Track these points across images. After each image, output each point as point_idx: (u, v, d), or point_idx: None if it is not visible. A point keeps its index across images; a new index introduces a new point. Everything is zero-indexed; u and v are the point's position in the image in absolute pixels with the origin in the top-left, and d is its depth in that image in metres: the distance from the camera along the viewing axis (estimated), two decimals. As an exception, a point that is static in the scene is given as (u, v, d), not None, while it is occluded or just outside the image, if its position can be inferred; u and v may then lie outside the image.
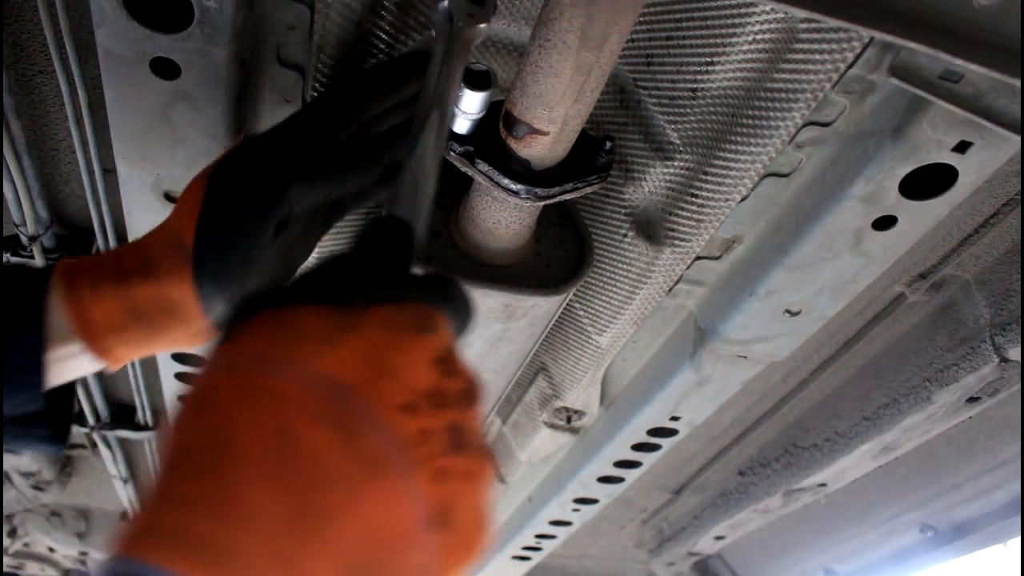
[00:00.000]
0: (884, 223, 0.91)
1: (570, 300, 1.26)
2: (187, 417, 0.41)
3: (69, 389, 0.77)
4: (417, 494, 0.42)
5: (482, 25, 0.67)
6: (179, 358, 1.32)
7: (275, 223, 0.69)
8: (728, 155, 0.89)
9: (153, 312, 0.71)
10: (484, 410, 0.50)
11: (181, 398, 0.42)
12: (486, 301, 0.93)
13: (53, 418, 0.76)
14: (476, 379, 0.49)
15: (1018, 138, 0.72)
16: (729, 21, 0.82)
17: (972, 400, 1.30)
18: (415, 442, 0.42)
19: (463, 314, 0.52)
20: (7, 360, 0.68)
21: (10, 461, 2.17)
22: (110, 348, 0.71)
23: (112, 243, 1.31)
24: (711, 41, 0.85)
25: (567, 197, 0.81)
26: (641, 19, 0.91)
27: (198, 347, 0.77)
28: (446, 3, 0.66)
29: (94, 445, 2.13)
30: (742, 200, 0.97)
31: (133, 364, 1.70)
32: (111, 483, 2.29)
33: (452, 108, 0.65)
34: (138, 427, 1.92)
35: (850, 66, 0.77)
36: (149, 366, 1.60)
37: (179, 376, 1.39)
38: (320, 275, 0.49)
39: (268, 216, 0.68)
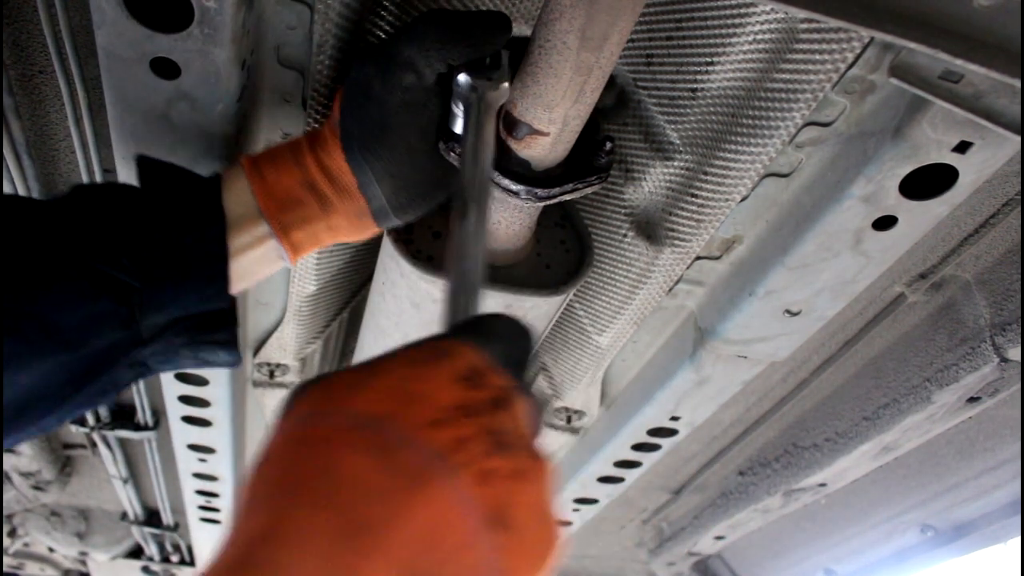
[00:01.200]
0: (884, 223, 0.91)
1: (570, 300, 1.26)
2: (253, 472, 0.46)
3: (235, 307, 0.84)
4: (465, 497, 0.44)
5: (504, 85, 0.72)
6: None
7: (399, 88, 0.73)
8: (728, 155, 0.89)
9: (322, 184, 0.79)
10: (530, 413, 0.53)
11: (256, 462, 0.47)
12: (487, 302, 0.93)
13: (232, 326, 0.82)
14: (510, 387, 0.52)
15: (1018, 138, 0.72)
16: (729, 21, 0.82)
17: (972, 400, 1.30)
18: (452, 449, 0.45)
19: (505, 337, 0.56)
20: (194, 251, 0.73)
21: (10, 461, 2.17)
22: (290, 226, 0.78)
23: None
24: (711, 41, 0.85)
25: (567, 197, 0.81)
26: (641, 19, 0.91)
27: (362, 233, 0.84)
28: (465, 76, 0.71)
29: (94, 445, 2.13)
30: (742, 200, 0.97)
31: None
32: (111, 483, 2.29)
33: (491, 168, 0.70)
34: (138, 427, 1.92)
35: (850, 66, 0.77)
36: (149, 366, 1.60)
37: (179, 377, 1.39)
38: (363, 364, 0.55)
39: (390, 81, 0.73)
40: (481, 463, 0.45)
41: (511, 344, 0.56)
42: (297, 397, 0.50)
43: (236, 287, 0.81)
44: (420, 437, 0.45)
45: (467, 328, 0.56)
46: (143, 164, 0.78)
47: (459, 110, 0.74)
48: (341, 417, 0.46)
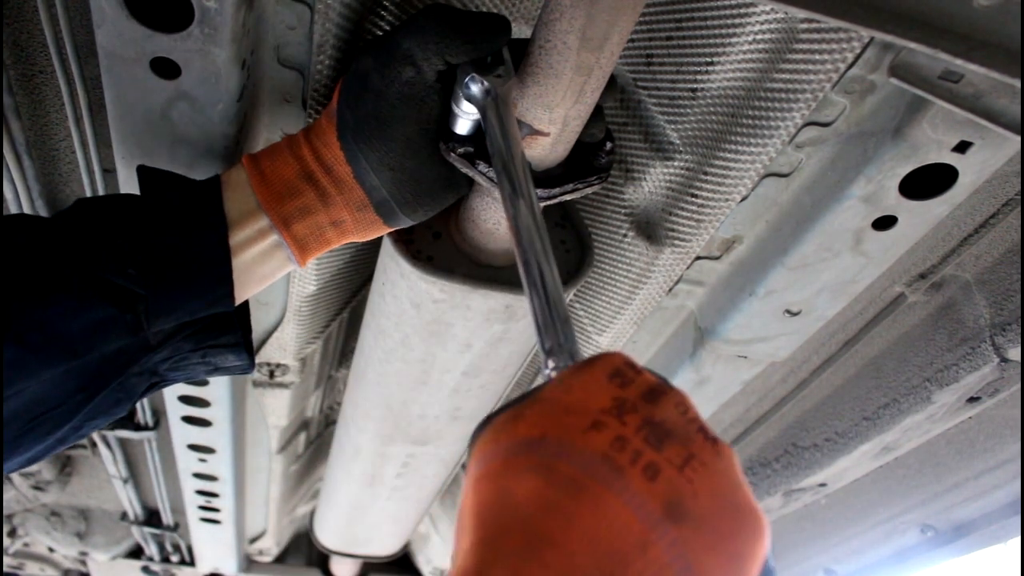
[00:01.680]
0: (884, 223, 0.91)
1: (570, 300, 1.26)
2: (458, 515, 0.51)
3: (246, 312, 0.87)
4: (635, 495, 0.45)
5: (513, 80, 0.72)
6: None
7: (398, 82, 0.73)
8: (728, 155, 0.89)
9: (318, 173, 0.79)
10: (684, 399, 0.52)
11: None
12: (486, 302, 0.93)
13: (242, 326, 0.83)
14: (657, 377, 0.53)
15: (1018, 138, 0.72)
16: (729, 21, 0.82)
17: (972, 400, 1.30)
18: (616, 449, 0.46)
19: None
20: (197, 257, 0.74)
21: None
22: (290, 218, 0.78)
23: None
24: (711, 41, 0.85)
25: (567, 198, 0.81)
26: (641, 19, 0.91)
27: (369, 231, 0.83)
28: (475, 78, 0.70)
29: (94, 445, 2.13)
30: (742, 200, 0.97)
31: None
32: (111, 483, 2.29)
33: (524, 161, 0.69)
34: (138, 427, 1.92)
35: (850, 66, 0.77)
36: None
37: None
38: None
39: (388, 74, 0.73)
40: (647, 457, 0.46)
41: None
42: (473, 442, 0.53)
43: (245, 289, 0.81)
44: (580, 445, 0.46)
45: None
46: (144, 174, 0.79)
47: (460, 111, 0.74)
48: (503, 448, 0.49)
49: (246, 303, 0.88)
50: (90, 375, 0.73)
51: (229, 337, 0.81)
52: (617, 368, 0.51)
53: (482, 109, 0.71)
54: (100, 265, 0.71)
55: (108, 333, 0.72)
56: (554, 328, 0.59)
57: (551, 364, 0.58)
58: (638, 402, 0.49)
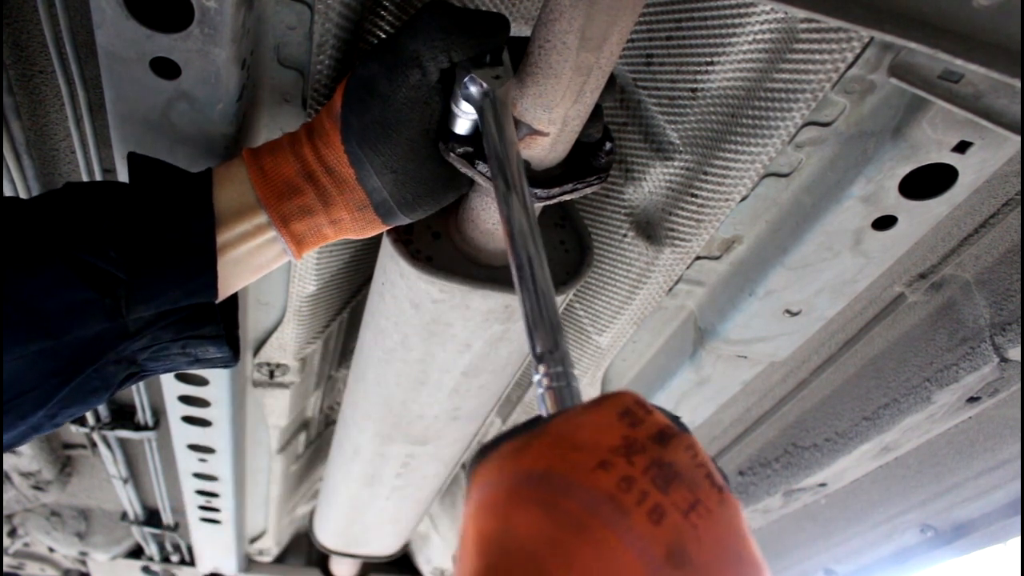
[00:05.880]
0: (884, 223, 0.91)
1: (570, 300, 1.26)
2: (459, 541, 0.51)
3: (235, 305, 0.87)
4: (639, 537, 0.44)
5: (511, 80, 0.72)
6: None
7: (404, 86, 0.73)
8: (728, 155, 0.89)
9: (320, 174, 0.79)
10: (694, 443, 0.52)
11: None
12: (486, 302, 0.93)
13: (224, 319, 0.82)
14: (669, 421, 0.52)
15: (1018, 138, 0.72)
16: (729, 21, 0.82)
17: (972, 400, 1.30)
18: (622, 489, 0.45)
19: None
20: (180, 244, 0.74)
21: (10, 461, 2.17)
22: (289, 217, 0.79)
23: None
24: (711, 41, 0.85)
25: (567, 198, 0.81)
26: (641, 19, 0.91)
27: (367, 229, 0.83)
28: (473, 79, 0.70)
29: (94, 445, 2.13)
30: (742, 200, 0.97)
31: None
32: (111, 483, 2.29)
33: (519, 162, 0.69)
34: (138, 427, 1.92)
35: (850, 66, 0.77)
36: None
37: (179, 376, 1.39)
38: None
39: (396, 79, 0.73)
40: (653, 500, 0.45)
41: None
42: (474, 466, 0.53)
43: (238, 280, 0.81)
44: (586, 483, 0.46)
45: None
46: (134, 161, 0.79)
47: (459, 111, 0.74)
48: (511, 479, 0.48)
49: (235, 296, 0.87)
50: (66, 359, 0.72)
51: (211, 328, 0.81)
52: (627, 407, 0.51)
53: (479, 110, 0.71)
54: (81, 245, 0.70)
55: (85, 316, 0.71)
56: (545, 332, 0.59)
57: (542, 370, 0.57)
58: (647, 443, 0.48)
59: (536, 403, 1.55)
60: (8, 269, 0.68)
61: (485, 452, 0.52)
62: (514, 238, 0.64)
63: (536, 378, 0.57)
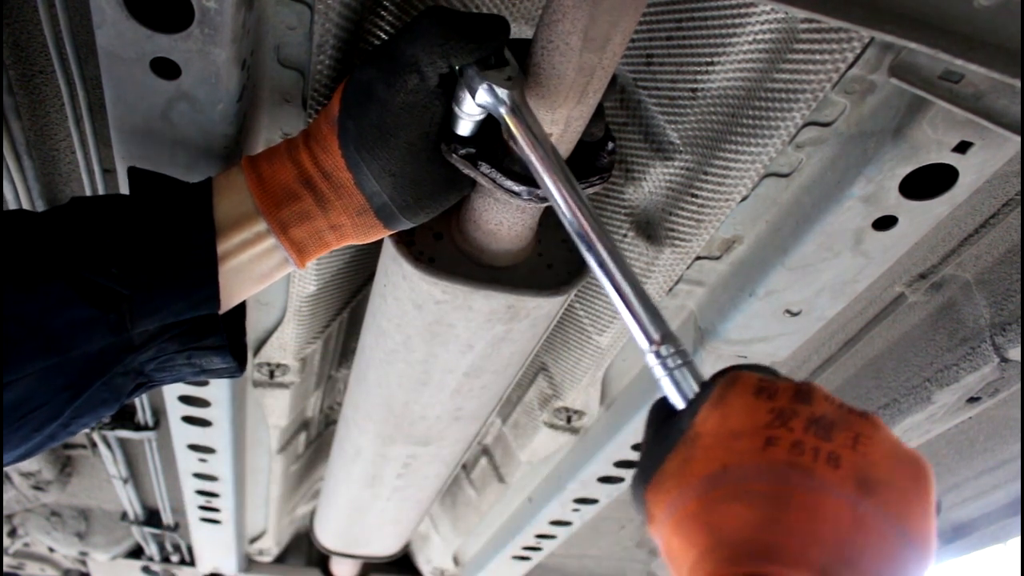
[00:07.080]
0: (884, 223, 0.91)
1: (571, 300, 1.26)
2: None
3: (242, 314, 0.88)
4: (830, 485, 0.49)
5: (522, 78, 0.71)
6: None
7: (403, 91, 0.73)
8: (728, 155, 0.89)
9: (317, 179, 0.79)
10: (824, 389, 0.56)
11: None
12: (488, 302, 0.93)
13: (228, 330, 0.83)
14: (793, 381, 0.56)
15: (1018, 138, 0.72)
16: (729, 21, 0.82)
17: (972, 400, 1.30)
18: (796, 455, 0.51)
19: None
20: (182, 257, 0.75)
21: (10, 461, 2.17)
22: (288, 223, 0.79)
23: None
24: (711, 41, 0.85)
25: (568, 197, 0.81)
26: (641, 19, 0.91)
27: (369, 234, 0.83)
28: (486, 86, 0.69)
29: (94, 445, 2.13)
30: (742, 200, 0.97)
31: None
32: (111, 483, 2.29)
33: (560, 158, 0.69)
34: (138, 427, 1.92)
35: (850, 66, 0.77)
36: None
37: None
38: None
39: (394, 84, 0.73)
40: (825, 450, 0.50)
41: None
42: (643, 496, 0.57)
43: (241, 290, 0.81)
44: (764, 462, 0.51)
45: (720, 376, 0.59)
46: (134, 175, 0.79)
47: (462, 113, 0.74)
48: (694, 489, 0.53)
49: (243, 305, 0.87)
50: (75, 373, 0.73)
51: (214, 339, 0.81)
52: (756, 384, 0.55)
53: (502, 119, 0.70)
54: (83, 263, 0.71)
55: (90, 332, 0.72)
56: (652, 317, 0.61)
57: (663, 353, 0.60)
58: (793, 407, 0.53)
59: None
60: (13, 289, 0.69)
61: (646, 476, 0.57)
62: (587, 237, 0.65)
63: (654, 365, 0.60)
